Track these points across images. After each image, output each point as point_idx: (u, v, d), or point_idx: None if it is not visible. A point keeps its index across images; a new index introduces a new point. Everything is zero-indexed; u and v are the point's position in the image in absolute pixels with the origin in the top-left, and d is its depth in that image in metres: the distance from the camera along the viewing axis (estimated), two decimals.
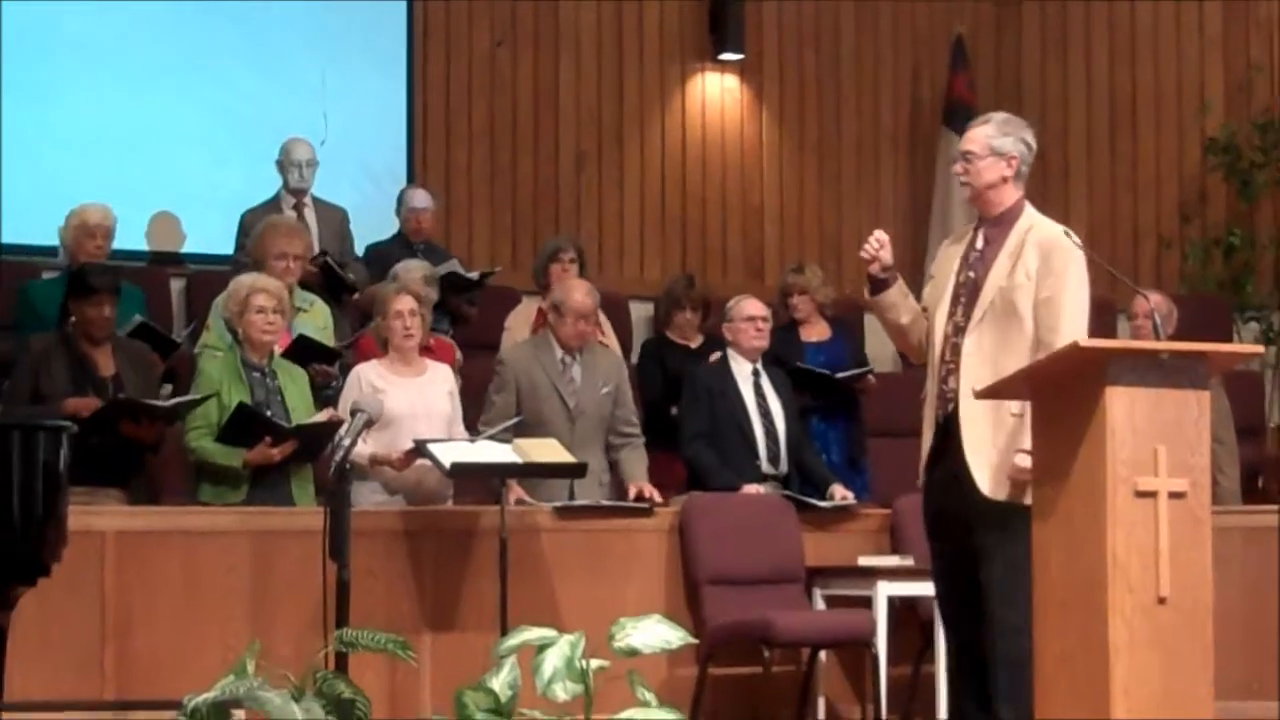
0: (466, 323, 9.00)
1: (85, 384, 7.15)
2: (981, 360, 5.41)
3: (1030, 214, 5.56)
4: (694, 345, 8.86)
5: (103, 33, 9.61)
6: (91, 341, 7.23)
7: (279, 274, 7.76)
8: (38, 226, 9.00)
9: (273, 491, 7.03)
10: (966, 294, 5.51)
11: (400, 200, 9.43)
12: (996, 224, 5.54)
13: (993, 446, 5.39)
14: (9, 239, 9.08)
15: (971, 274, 5.52)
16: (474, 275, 8.95)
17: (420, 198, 9.38)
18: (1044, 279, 5.43)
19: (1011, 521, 5.31)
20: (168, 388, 7.72)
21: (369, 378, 7.24)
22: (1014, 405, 5.37)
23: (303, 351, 7.59)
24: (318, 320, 8.00)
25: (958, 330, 5.50)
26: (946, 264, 5.62)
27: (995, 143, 5.53)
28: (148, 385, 7.28)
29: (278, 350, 7.37)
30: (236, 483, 7.01)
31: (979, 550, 5.43)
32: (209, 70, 9.80)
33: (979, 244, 5.55)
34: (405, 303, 7.33)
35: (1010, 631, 5.33)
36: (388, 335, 7.35)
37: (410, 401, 7.18)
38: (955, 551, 5.52)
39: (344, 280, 8.63)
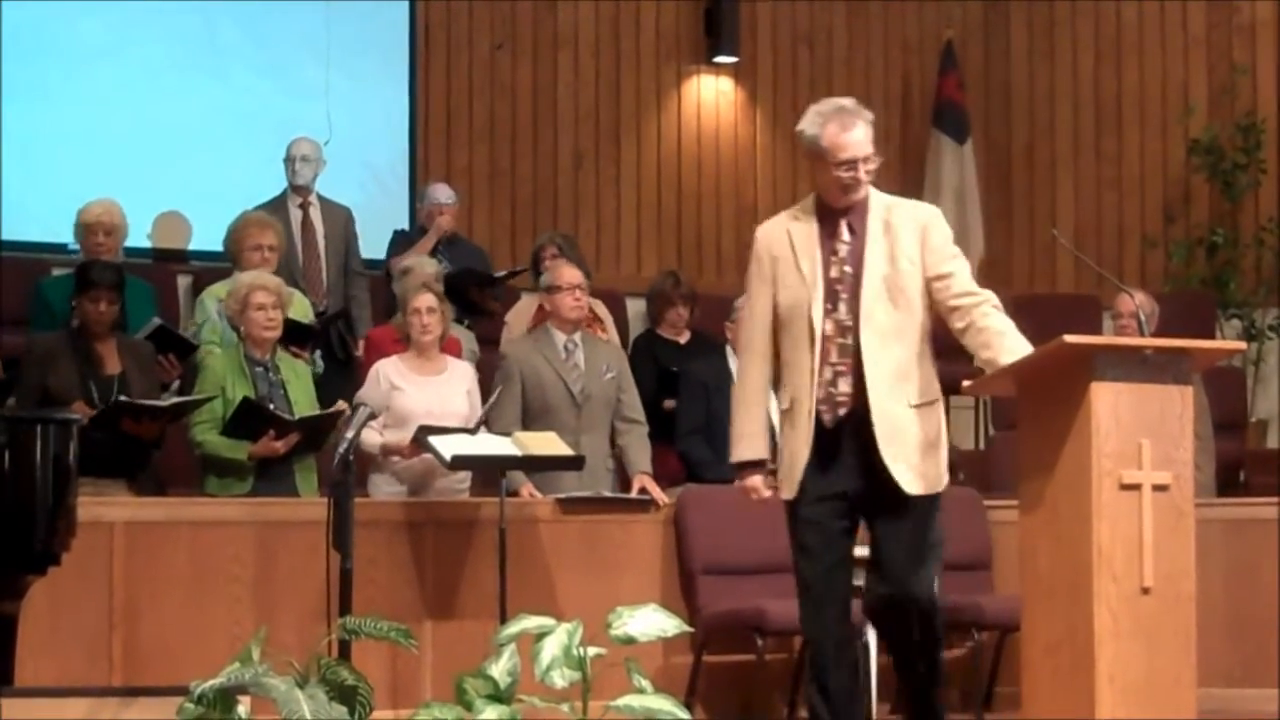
0: (490, 317, 9.07)
1: (91, 382, 7.19)
2: (880, 356, 5.28)
3: (877, 194, 5.42)
4: (683, 341, 8.99)
5: (109, 33, 9.66)
6: (93, 337, 7.29)
7: (255, 266, 7.85)
8: (48, 224, 9.10)
9: (277, 483, 7.07)
10: (847, 290, 5.32)
11: (421, 195, 9.51)
12: (856, 212, 5.38)
13: (907, 444, 5.27)
14: (21, 236, 9.17)
15: (847, 269, 5.34)
16: (497, 274, 9.09)
17: (443, 192, 9.42)
18: (931, 256, 5.34)
19: (918, 504, 5.31)
20: (175, 384, 7.79)
21: (389, 374, 7.29)
22: (913, 396, 5.30)
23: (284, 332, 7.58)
24: (299, 312, 8.08)
25: (843, 330, 5.30)
26: (787, 249, 5.37)
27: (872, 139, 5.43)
28: (152, 384, 7.32)
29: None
30: (242, 475, 7.06)
31: (885, 531, 5.36)
32: (215, 71, 9.86)
33: (845, 235, 5.37)
34: (425, 300, 7.37)
35: (919, 599, 5.36)
36: (409, 331, 7.41)
37: (427, 400, 7.21)
38: (842, 534, 5.42)
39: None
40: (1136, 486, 5.05)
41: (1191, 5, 11.15)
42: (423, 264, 8.17)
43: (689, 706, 6.62)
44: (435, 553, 6.95)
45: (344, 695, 4.84)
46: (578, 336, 7.61)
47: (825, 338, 5.30)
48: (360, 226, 9.21)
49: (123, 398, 7.02)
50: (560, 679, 4.72)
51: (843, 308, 5.31)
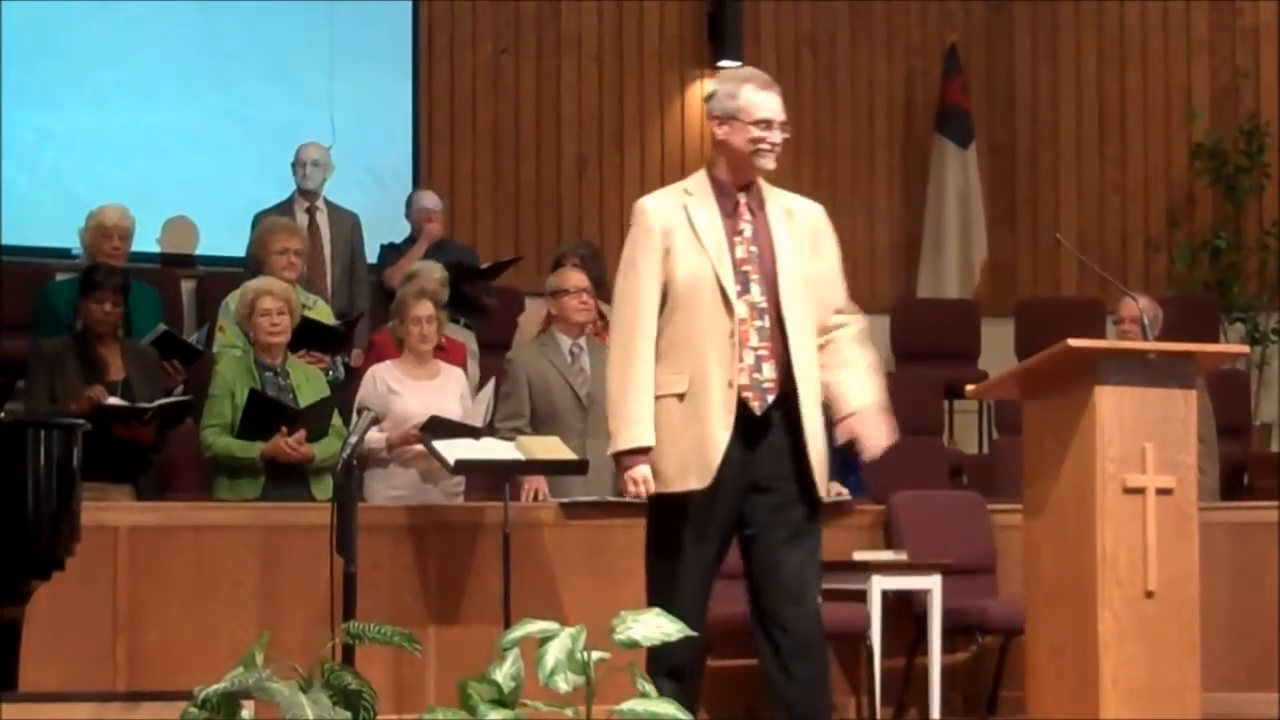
0: (486, 313, 9.10)
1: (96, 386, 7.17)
2: (806, 348, 5.03)
3: (763, 182, 5.14)
4: None
5: (112, 37, 9.68)
6: (96, 340, 7.30)
7: (281, 269, 7.87)
8: (54, 229, 9.11)
9: (289, 486, 7.06)
10: (757, 272, 5.03)
11: (410, 202, 9.54)
12: (749, 192, 5.11)
13: (820, 446, 5.05)
14: (26, 241, 9.18)
15: (753, 249, 5.05)
16: (484, 265, 9.11)
17: (430, 199, 9.50)
18: (816, 255, 5.12)
19: (820, 513, 5.14)
20: (180, 389, 7.80)
21: (384, 378, 7.32)
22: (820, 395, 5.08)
23: (305, 336, 7.63)
24: (321, 319, 8.10)
25: (758, 313, 5.01)
26: (683, 222, 5.04)
27: None
28: (155, 390, 7.33)
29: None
30: (254, 477, 7.07)
31: (786, 540, 5.11)
32: (219, 76, 9.88)
33: (746, 215, 5.08)
34: (424, 309, 7.39)
35: (808, 615, 5.18)
36: (404, 337, 7.43)
37: (423, 404, 7.22)
38: (729, 531, 5.18)
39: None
40: (1140, 490, 5.07)
41: (1195, 8, 11.16)
42: (430, 270, 8.16)
43: (693, 711, 6.60)
44: (439, 557, 6.95)
45: (348, 700, 4.81)
46: (583, 341, 7.61)
47: (739, 320, 4.98)
48: (363, 232, 9.25)
49: (112, 400, 7.01)
50: (564, 683, 4.70)
51: (755, 289, 5.01)
